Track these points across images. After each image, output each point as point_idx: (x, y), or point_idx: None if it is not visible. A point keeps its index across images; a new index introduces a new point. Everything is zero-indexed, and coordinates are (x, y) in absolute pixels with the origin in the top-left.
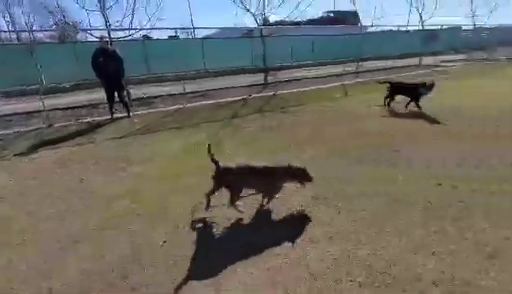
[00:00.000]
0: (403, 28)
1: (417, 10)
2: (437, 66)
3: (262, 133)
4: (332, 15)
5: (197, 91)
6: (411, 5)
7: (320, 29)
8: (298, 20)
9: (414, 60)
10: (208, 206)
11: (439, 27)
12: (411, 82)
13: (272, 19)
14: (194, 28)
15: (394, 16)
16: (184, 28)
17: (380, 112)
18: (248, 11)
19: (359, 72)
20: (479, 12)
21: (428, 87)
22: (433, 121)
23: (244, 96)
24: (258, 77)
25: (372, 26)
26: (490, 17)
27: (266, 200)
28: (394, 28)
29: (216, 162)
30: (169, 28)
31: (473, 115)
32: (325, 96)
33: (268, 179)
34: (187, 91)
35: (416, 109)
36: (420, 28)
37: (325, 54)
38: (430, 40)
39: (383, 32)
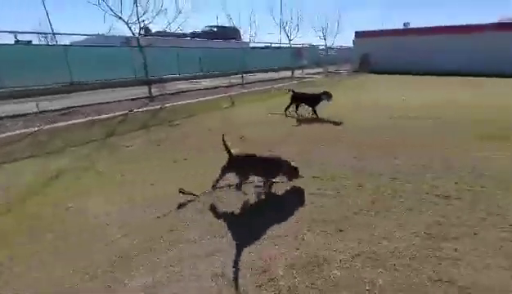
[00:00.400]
0: (276, 45)
1: (285, 31)
2: (305, 78)
3: (146, 150)
4: (215, 29)
5: (62, 108)
6: (280, 27)
7: (205, 43)
8: (183, 32)
9: (287, 73)
10: (214, 187)
11: (303, 45)
12: (313, 92)
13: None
14: (54, 33)
15: (267, 35)
16: (40, 33)
17: (273, 119)
18: (120, 18)
19: (244, 84)
20: (328, 36)
21: (329, 96)
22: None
23: (126, 111)
24: (142, 90)
25: (253, 42)
26: (335, 40)
27: (267, 185)
28: (274, 45)
29: (229, 151)
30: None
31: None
32: (214, 107)
33: (271, 167)
34: (49, 108)
35: (314, 116)
36: (289, 45)
37: (212, 66)
38: (298, 56)
39: (261, 48)
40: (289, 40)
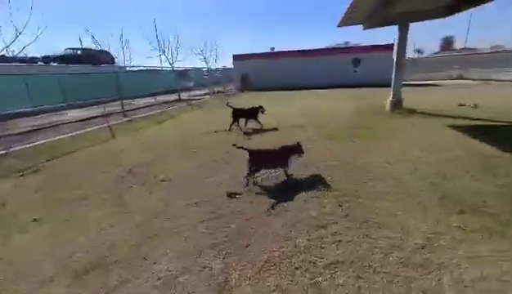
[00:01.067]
0: (159, 68)
1: (164, 55)
2: (193, 99)
3: None
4: (79, 52)
5: None
6: (159, 50)
7: (66, 68)
8: (33, 55)
9: (174, 96)
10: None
11: (187, 68)
12: (250, 107)
13: None
14: None
15: (146, 59)
16: None
17: (183, 137)
18: None
19: (126, 111)
20: (209, 59)
21: (263, 109)
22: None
23: None
24: None
25: (131, 66)
26: (216, 62)
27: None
28: (155, 68)
29: (245, 149)
30: None
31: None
32: (87, 142)
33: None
34: None
35: (259, 126)
36: (171, 69)
37: (82, 95)
38: (183, 78)
39: (141, 71)
40: (171, 63)
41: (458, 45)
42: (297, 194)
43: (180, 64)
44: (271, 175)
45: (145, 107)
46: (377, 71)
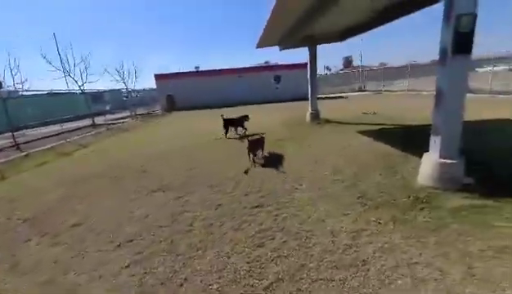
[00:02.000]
0: (65, 92)
1: (70, 76)
2: (111, 124)
3: None
4: None
5: None
6: (64, 73)
7: None
8: None
9: (88, 121)
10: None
11: (102, 89)
12: (238, 116)
13: None
14: None
15: (49, 81)
16: None
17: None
18: None
19: (20, 144)
20: (129, 79)
21: (248, 117)
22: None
23: None
24: None
25: (26, 90)
26: (136, 82)
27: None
28: (61, 91)
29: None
30: None
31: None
32: None
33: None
34: None
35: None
36: (81, 91)
37: None
38: (98, 101)
39: (40, 95)
40: (80, 86)
41: (356, 63)
42: (231, 212)
43: (93, 86)
44: (207, 204)
45: (48, 137)
46: (296, 87)
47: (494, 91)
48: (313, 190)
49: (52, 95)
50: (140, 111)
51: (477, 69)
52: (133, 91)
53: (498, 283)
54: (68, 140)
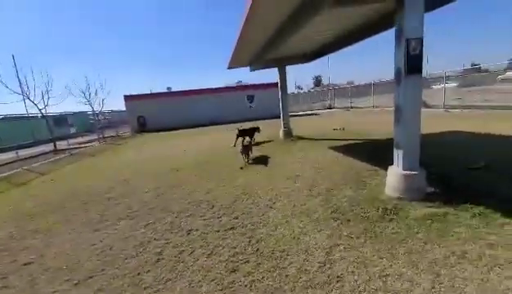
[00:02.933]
0: (21, 116)
1: (29, 99)
2: (75, 148)
3: None
4: None
5: None
6: (23, 95)
7: None
8: None
9: (49, 147)
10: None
11: (66, 112)
12: (250, 127)
13: None
14: None
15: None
16: None
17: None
18: None
19: None
20: (95, 101)
21: (259, 129)
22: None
23: None
24: None
25: None
26: (103, 104)
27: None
28: (15, 115)
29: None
30: None
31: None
32: None
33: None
34: None
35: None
36: (41, 114)
37: None
38: (62, 124)
39: None
40: (40, 109)
41: (325, 81)
42: (202, 237)
43: (58, 109)
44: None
45: (1, 165)
46: (270, 105)
47: (448, 105)
48: (288, 208)
49: (8, 119)
50: (108, 133)
51: (432, 86)
52: (101, 113)
53: (463, 289)
54: (25, 167)
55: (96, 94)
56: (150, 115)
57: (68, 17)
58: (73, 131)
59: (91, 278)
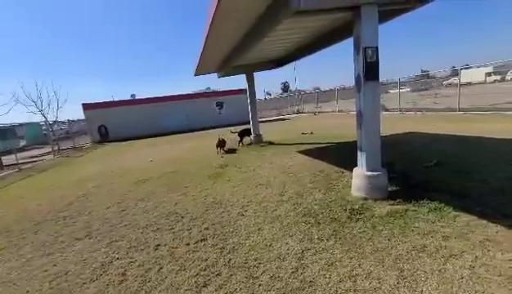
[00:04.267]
0: None
1: None
2: (27, 163)
3: None
4: None
5: None
6: None
7: None
8: None
9: None
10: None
11: (15, 123)
12: (246, 128)
13: None
14: None
15: None
16: None
17: None
18: None
19: None
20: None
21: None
22: None
23: None
24: None
25: None
26: (57, 114)
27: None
28: None
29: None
30: None
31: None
32: None
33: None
34: None
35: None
36: None
37: None
38: (9, 136)
39: None
40: None
41: (293, 87)
42: (170, 254)
43: (4, 119)
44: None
45: None
46: (239, 111)
47: (403, 108)
48: (260, 214)
49: None
50: (66, 145)
51: (389, 91)
52: (55, 122)
53: (424, 282)
54: None
55: (48, 103)
56: (113, 124)
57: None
58: (23, 143)
59: None
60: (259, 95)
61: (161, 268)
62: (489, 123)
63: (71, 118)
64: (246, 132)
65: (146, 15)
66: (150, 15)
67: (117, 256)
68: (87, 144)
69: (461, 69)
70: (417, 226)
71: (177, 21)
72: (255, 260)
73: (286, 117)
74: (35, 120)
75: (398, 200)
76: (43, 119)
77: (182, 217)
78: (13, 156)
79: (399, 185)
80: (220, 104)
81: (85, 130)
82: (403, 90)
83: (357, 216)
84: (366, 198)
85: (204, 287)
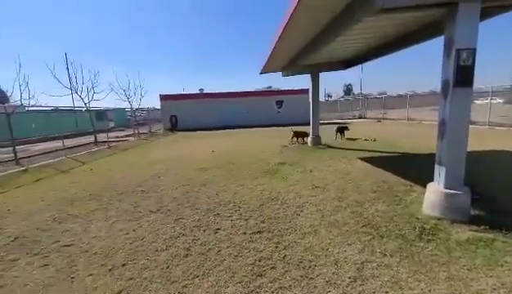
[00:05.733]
0: (69, 108)
1: (77, 93)
2: (113, 141)
3: None
4: None
5: None
6: (70, 89)
7: None
8: None
9: (90, 138)
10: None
11: (107, 108)
12: (301, 130)
13: None
14: None
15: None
16: None
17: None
18: None
19: (21, 158)
20: (134, 98)
21: (308, 134)
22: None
23: None
24: None
25: (32, 106)
26: (140, 102)
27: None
28: (65, 108)
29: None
30: None
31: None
32: None
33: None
34: None
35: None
36: (85, 108)
37: None
38: (102, 118)
39: (46, 111)
40: (85, 103)
41: (356, 90)
42: (228, 239)
43: (100, 104)
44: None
45: (49, 152)
46: (297, 111)
47: (492, 122)
48: (316, 217)
49: (57, 111)
50: (143, 130)
51: (475, 101)
52: (138, 109)
53: None
54: (68, 156)
55: (134, 93)
56: (182, 115)
57: (113, 19)
58: (111, 125)
59: (123, 266)
60: (320, 97)
61: (220, 250)
62: None
63: (150, 107)
64: (301, 134)
65: (218, 13)
66: (222, 15)
67: (183, 232)
68: (159, 130)
69: None
70: (508, 261)
71: (245, 22)
72: (310, 261)
73: (348, 121)
74: (122, 106)
75: (483, 227)
76: (129, 106)
77: (239, 207)
78: (105, 135)
79: (484, 210)
80: (280, 103)
81: (159, 118)
82: (494, 101)
83: (429, 237)
84: (440, 218)
85: (259, 276)
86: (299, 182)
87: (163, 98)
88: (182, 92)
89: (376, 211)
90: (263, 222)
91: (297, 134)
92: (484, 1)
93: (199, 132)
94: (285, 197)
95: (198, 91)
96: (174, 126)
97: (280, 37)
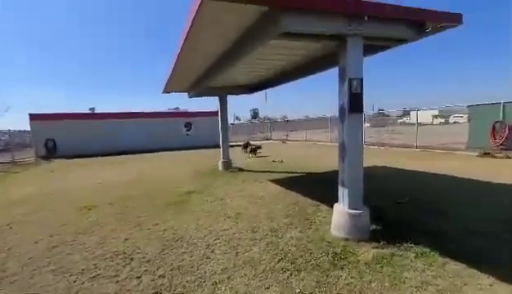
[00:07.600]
0: None
1: None
2: None
3: None
4: None
5: None
6: None
7: None
8: None
9: None
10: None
11: None
12: (256, 145)
13: None
14: None
15: None
16: None
17: None
18: None
19: None
20: None
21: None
22: None
23: None
24: None
25: None
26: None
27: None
28: None
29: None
30: None
31: None
32: None
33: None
34: None
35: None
36: None
37: None
38: None
39: None
40: None
41: (261, 114)
42: None
43: None
44: None
45: None
46: (208, 134)
47: (366, 142)
48: (229, 257)
49: None
50: (2, 158)
51: None
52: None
53: None
54: None
55: None
56: (63, 139)
57: None
58: None
59: None
60: (230, 120)
61: None
62: (446, 161)
63: (10, 129)
64: (254, 149)
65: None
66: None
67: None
68: (30, 158)
69: (417, 110)
70: (407, 277)
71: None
72: None
73: (257, 143)
74: None
75: (382, 242)
76: None
77: (131, 260)
78: None
79: (378, 223)
80: (189, 125)
81: (29, 143)
82: (365, 125)
83: (341, 263)
84: (347, 239)
85: None
86: (210, 213)
87: (35, 118)
88: (63, 111)
89: (291, 239)
90: (163, 277)
91: (251, 148)
92: (366, 38)
93: (87, 159)
94: (193, 235)
95: (87, 111)
96: (51, 153)
97: (180, 54)
